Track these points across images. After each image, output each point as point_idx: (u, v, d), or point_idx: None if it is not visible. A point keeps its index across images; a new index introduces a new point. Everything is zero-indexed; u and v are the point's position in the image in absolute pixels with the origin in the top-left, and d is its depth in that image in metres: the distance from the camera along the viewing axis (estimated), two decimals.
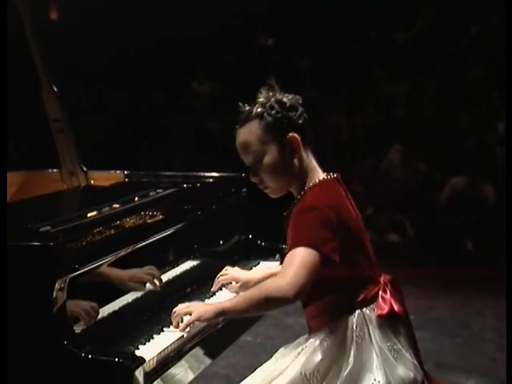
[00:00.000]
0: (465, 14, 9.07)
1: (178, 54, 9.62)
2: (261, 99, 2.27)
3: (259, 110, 2.25)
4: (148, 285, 2.51)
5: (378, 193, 7.60)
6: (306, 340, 2.27)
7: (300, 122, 2.25)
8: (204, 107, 9.33)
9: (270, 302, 2.15)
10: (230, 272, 2.61)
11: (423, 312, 5.30)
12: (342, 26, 9.50)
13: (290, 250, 2.17)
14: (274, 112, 2.24)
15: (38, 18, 3.24)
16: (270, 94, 2.28)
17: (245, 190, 3.19)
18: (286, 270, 2.12)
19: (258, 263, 3.01)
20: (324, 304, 2.24)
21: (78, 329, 2.14)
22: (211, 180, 3.27)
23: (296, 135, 2.24)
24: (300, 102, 2.29)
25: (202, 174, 3.30)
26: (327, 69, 9.13)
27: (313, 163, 2.29)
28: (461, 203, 7.29)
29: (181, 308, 2.25)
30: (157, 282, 2.53)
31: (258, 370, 2.33)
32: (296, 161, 2.26)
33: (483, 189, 7.32)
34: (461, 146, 7.81)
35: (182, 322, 2.24)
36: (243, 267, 2.92)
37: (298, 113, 2.26)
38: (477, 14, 9.03)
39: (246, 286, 2.55)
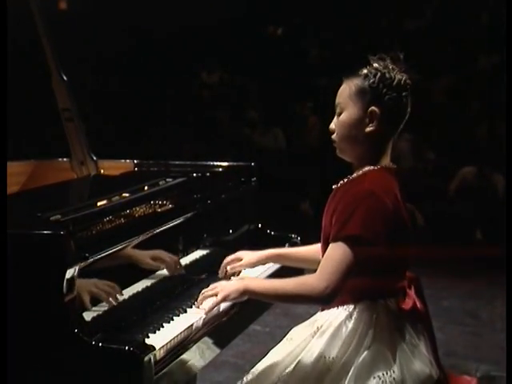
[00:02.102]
0: (477, 1, 9.02)
1: (187, 43, 9.61)
2: (376, 64, 2.26)
3: (365, 71, 2.25)
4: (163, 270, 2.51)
5: None
6: (322, 318, 2.25)
7: (391, 102, 2.22)
8: (214, 96, 9.32)
9: (301, 299, 2.17)
10: (243, 256, 2.58)
11: (433, 301, 5.27)
12: (352, 15, 9.46)
13: (335, 239, 2.13)
14: (373, 80, 2.22)
15: (48, 7, 3.23)
16: (389, 66, 2.25)
17: (254, 179, 3.18)
18: (327, 269, 2.11)
19: None
20: (348, 284, 2.17)
21: (88, 317, 2.14)
22: (221, 169, 3.27)
23: (377, 111, 2.21)
24: (408, 87, 2.25)
25: (211, 163, 3.30)
26: (337, 57, 9.10)
27: (386, 148, 2.26)
28: (471, 193, 7.26)
29: (207, 289, 2.28)
30: (176, 266, 2.56)
31: (271, 352, 2.32)
32: (368, 135, 2.22)
33: (493, 178, 7.30)
34: (471, 135, 7.78)
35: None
36: None
37: (395, 95, 2.22)
38: (488, 2, 8.97)
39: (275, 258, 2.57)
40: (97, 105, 8.34)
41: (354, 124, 2.24)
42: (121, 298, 2.29)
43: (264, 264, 2.63)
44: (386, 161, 2.26)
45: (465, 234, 7.06)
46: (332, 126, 2.30)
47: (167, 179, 2.93)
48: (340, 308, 2.23)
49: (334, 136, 2.30)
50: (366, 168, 2.24)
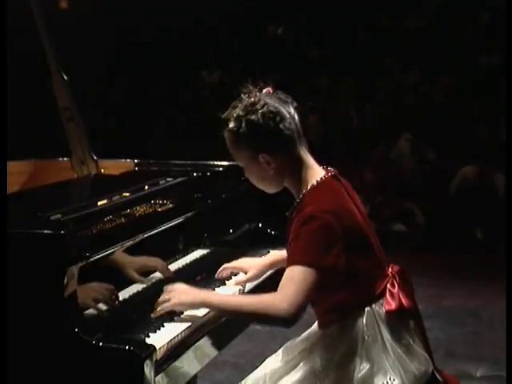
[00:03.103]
0: (477, 1, 9.02)
1: (188, 42, 9.61)
2: (236, 111, 2.22)
3: (231, 125, 2.23)
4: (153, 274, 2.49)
5: (388, 181, 7.58)
6: (315, 335, 2.26)
7: (270, 141, 2.19)
8: (214, 96, 9.32)
9: (263, 318, 2.14)
10: (234, 263, 2.56)
11: (433, 301, 5.29)
12: (353, 14, 9.45)
13: (289, 263, 2.13)
14: (242, 132, 2.20)
15: (48, 7, 3.23)
16: (248, 104, 2.20)
17: None
18: (287, 291, 2.08)
19: (268, 252, 3.01)
20: (332, 303, 2.21)
21: (88, 316, 2.14)
22: (221, 169, 3.27)
23: (266, 155, 2.19)
24: (272, 113, 2.19)
25: (211, 162, 3.30)
26: (337, 57, 9.09)
27: (308, 161, 2.25)
28: (471, 192, 7.26)
29: (165, 294, 2.23)
30: (165, 271, 2.52)
31: (264, 363, 2.33)
32: (278, 172, 2.22)
33: (493, 178, 7.30)
34: (471, 135, 7.77)
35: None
36: (253, 256, 2.93)
37: (268, 130, 2.19)
38: (489, 1, 8.97)
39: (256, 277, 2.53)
40: (97, 104, 8.34)
41: (259, 176, 2.25)
42: (121, 298, 2.29)
43: (268, 271, 2.58)
44: (315, 174, 2.23)
45: (465, 233, 7.06)
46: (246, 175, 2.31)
47: (168, 179, 2.94)
48: (332, 325, 2.22)
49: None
50: (304, 190, 2.22)
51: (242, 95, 2.24)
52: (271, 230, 3.18)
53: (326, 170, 2.27)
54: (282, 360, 2.28)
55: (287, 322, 2.09)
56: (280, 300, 2.08)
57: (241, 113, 2.21)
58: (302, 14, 9.77)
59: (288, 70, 8.88)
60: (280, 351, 2.33)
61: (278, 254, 2.59)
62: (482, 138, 7.71)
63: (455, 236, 6.90)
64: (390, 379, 2.15)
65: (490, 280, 5.86)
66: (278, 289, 2.12)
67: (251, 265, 2.55)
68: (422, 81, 8.62)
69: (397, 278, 2.25)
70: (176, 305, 2.21)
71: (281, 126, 2.20)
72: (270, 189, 2.30)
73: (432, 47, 8.78)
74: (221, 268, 2.56)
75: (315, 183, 2.22)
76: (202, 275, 2.71)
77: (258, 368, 2.34)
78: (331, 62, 9.07)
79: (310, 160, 2.26)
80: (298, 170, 2.24)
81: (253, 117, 2.19)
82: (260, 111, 2.20)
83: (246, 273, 2.54)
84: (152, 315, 2.24)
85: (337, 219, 2.13)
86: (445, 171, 7.63)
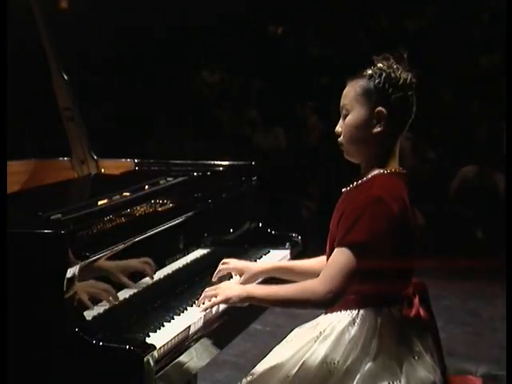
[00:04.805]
0: (476, 1, 9.02)
1: (188, 42, 9.61)
2: (380, 64, 2.24)
3: (370, 72, 2.23)
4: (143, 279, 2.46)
5: None
6: (325, 322, 2.24)
7: (398, 102, 2.21)
8: (215, 96, 9.32)
9: (303, 304, 2.16)
10: (232, 262, 2.54)
11: (434, 301, 5.26)
12: (353, 14, 9.46)
13: (340, 244, 2.12)
14: (379, 81, 2.21)
15: (48, 6, 3.23)
16: (393, 65, 2.23)
17: (255, 178, 3.18)
18: (329, 275, 2.09)
19: (268, 251, 3.01)
20: (351, 289, 2.16)
21: (88, 316, 2.14)
22: (221, 168, 3.27)
23: (384, 111, 2.20)
24: (413, 85, 2.24)
25: (212, 162, 3.30)
26: (338, 56, 9.09)
27: (394, 150, 2.25)
28: (471, 192, 7.26)
29: (210, 289, 2.28)
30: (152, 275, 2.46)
31: (272, 353, 2.31)
32: (376, 136, 2.21)
33: (494, 178, 7.29)
34: (472, 134, 7.77)
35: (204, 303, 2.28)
36: (253, 255, 2.93)
37: (401, 94, 2.21)
38: (488, 2, 8.97)
39: (254, 277, 2.51)
40: (98, 104, 8.33)
41: (361, 125, 2.22)
42: (121, 298, 2.29)
43: (265, 277, 2.55)
44: (395, 163, 2.24)
45: (465, 233, 7.06)
46: (338, 128, 2.28)
47: (168, 178, 2.94)
48: (343, 312, 2.21)
49: (340, 139, 2.27)
50: (376, 171, 2.22)
51: (387, 57, 2.26)
52: (271, 230, 3.18)
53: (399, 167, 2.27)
54: (292, 349, 2.26)
55: (325, 305, 2.13)
56: (320, 284, 2.09)
57: (384, 67, 2.23)
58: (303, 14, 9.77)
59: (288, 70, 8.88)
60: (289, 338, 2.32)
61: (275, 264, 2.59)
62: (482, 138, 7.71)
63: (455, 236, 6.89)
64: (396, 380, 2.15)
65: (491, 280, 5.86)
66: (322, 272, 2.12)
67: (247, 268, 2.52)
68: (422, 80, 8.62)
69: (417, 290, 2.27)
70: (224, 300, 2.22)
71: (411, 99, 2.24)
72: (353, 149, 2.25)
73: (432, 47, 8.78)
74: (216, 271, 2.53)
75: (389, 171, 2.22)
76: (203, 275, 2.71)
77: (267, 357, 2.32)
78: (332, 62, 9.07)
79: (397, 150, 2.26)
80: (388, 148, 2.24)
81: (395, 75, 2.22)
82: (404, 75, 2.23)
83: (241, 275, 2.51)
84: (198, 309, 2.29)
85: (400, 211, 2.14)
86: (445, 171, 7.63)
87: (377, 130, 2.21)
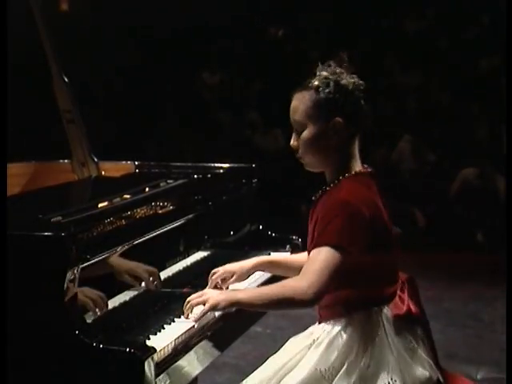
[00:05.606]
0: (476, 3, 9.03)
1: (188, 43, 9.61)
2: (324, 73, 2.22)
3: (316, 83, 2.21)
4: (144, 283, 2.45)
5: (389, 183, 7.57)
6: (319, 331, 2.25)
7: (352, 108, 2.19)
8: (215, 98, 9.32)
9: (286, 303, 2.14)
10: (221, 268, 2.50)
11: (434, 303, 5.29)
12: (354, 16, 9.46)
13: (315, 245, 2.13)
14: (328, 91, 2.19)
15: (49, 9, 3.24)
16: (337, 71, 2.22)
17: (255, 180, 3.19)
18: (309, 271, 2.09)
19: (269, 254, 3.01)
20: (340, 296, 2.20)
21: (89, 319, 2.14)
22: (222, 171, 3.27)
23: (341, 120, 2.18)
24: (361, 87, 2.22)
25: (212, 164, 3.30)
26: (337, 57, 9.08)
27: (355, 152, 2.24)
28: (472, 194, 7.26)
29: (194, 297, 2.23)
30: (155, 282, 2.46)
31: (267, 362, 2.32)
32: (335, 145, 2.20)
33: (494, 179, 7.29)
34: (472, 136, 7.77)
35: (191, 312, 2.25)
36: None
37: (354, 99, 2.20)
38: (488, 3, 8.98)
39: (245, 275, 2.49)
40: (98, 106, 8.34)
41: (318, 139, 2.21)
42: (121, 300, 2.29)
43: (253, 273, 2.54)
44: (357, 163, 2.24)
45: (466, 235, 7.06)
46: (294, 143, 2.27)
47: (168, 181, 2.94)
48: (336, 319, 2.22)
49: (299, 153, 2.27)
50: (341, 176, 2.22)
51: (328, 64, 2.24)
52: (272, 232, 3.19)
53: (363, 166, 2.27)
54: (286, 356, 2.27)
55: (307, 302, 2.09)
56: (301, 281, 2.09)
57: (330, 76, 2.21)
58: (303, 15, 9.78)
59: (288, 72, 8.88)
60: (283, 348, 2.32)
61: (263, 258, 2.58)
62: (482, 140, 7.71)
63: (456, 238, 6.89)
64: (392, 379, 2.15)
65: (491, 282, 5.86)
66: (302, 271, 2.13)
67: (236, 266, 2.49)
68: (423, 82, 8.62)
69: (406, 285, 2.27)
70: (213, 307, 2.19)
71: (362, 101, 2.22)
72: (313, 161, 2.25)
73: (432, 48, 8.78)
74: (210, 277, 2.47)
75: (355, 173, 2.22)
76: (203, 277, 2.70)
77: (262, 366, 2.33)
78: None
79: (357, 150, 2.25)
80: (348, 153, 2.23)
81: (343, 81, 2.20)
82: (351, 80, 2.21)
83: (233, 275, 2.49)
84: (185, 317, 2.25)
85: (369, 212, 2.14)
86: (445, 173, 7.63)
87: (335, 139, 2.20)
